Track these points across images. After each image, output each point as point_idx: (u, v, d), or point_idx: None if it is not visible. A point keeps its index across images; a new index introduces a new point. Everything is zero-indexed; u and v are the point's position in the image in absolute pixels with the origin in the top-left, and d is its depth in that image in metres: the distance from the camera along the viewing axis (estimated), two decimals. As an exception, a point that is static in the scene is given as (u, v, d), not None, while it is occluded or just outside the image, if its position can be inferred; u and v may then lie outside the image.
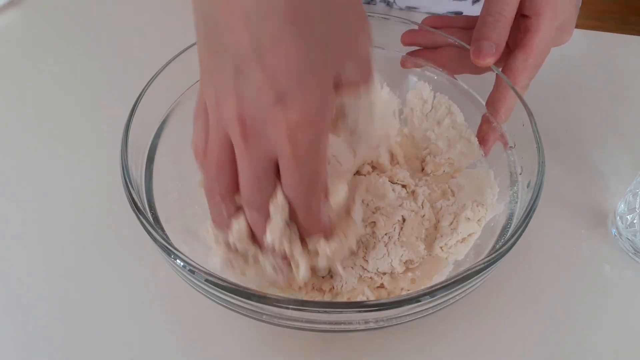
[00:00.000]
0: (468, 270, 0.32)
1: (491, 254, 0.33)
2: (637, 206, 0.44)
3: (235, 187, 0.31)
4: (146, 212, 0.35)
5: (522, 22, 0.42)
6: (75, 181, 0.49)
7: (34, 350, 0.38)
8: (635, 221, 0.44)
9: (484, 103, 0.44)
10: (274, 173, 0.29)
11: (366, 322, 0.32)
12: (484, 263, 0.32)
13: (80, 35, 0.64)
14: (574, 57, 0.59)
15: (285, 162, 0.28)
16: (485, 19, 0.41)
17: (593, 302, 0.42)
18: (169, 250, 0.32)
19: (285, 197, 0.30)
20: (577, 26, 0.58)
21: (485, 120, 0.43)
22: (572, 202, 0.48)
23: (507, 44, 0.44)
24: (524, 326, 0.40)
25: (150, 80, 0.41)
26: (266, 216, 0.31)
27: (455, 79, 0.47)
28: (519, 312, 0.41)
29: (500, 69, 0.43)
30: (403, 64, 0.49)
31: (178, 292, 0.40)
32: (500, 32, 0.41)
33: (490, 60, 0.41)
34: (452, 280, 0.31)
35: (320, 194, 0.30)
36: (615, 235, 0.45)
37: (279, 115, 0.26)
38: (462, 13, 0.66)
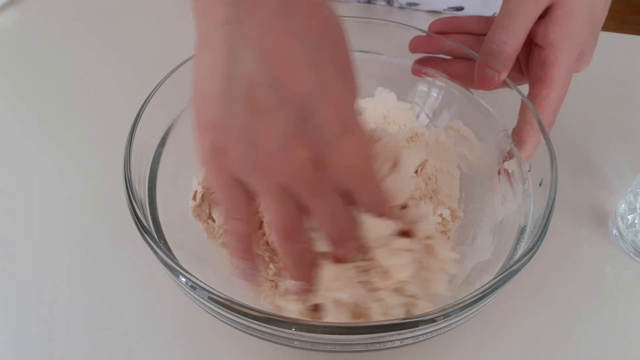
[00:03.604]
0: (500, 275, 0.32)
1: (519, 257, 0.33)
2: (637, 206, 0.44)
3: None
4: (152, 232, 0.35)
5: (538, 52, 0.41)
6: (74, 186, 0.49)
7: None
8: (636, 221, 0.44)
9: (497, 116, 0.44)
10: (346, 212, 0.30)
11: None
12: (514, 265, 0.32)
13: (81, 35, 0.64)
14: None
15: (359, 183, 0.30)
16: (489, 48, 0.40)
17: (594, 302, 0.42)
18: (205, 291, 0.31)
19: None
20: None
21: (522, 118, 0.41)
22: (573, 203, 0.47)
23: (519, 64, 0.43)
24: (523, 327, 0.40)
25: (147, 98, 0.40)
26: (357, 244, 0.32)
27: (470, 91, 0.46)
28: (518, 312, 0.41)
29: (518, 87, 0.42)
30: (414, 72, 0.48)
31: (183, 306, 0.40)
32: (504, 61, 0.40)
33: (493, 87, 0.41)
34: (486, 288, 0.31)
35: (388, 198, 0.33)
36: (616, 235, 0.45)
37: (347, 140, 0.28)
38: (463, 8, 0.65)
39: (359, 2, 0.67)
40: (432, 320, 0.29)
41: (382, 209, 0.32)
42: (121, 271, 0.42)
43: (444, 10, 0.66)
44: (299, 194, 0.29)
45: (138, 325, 0.39)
